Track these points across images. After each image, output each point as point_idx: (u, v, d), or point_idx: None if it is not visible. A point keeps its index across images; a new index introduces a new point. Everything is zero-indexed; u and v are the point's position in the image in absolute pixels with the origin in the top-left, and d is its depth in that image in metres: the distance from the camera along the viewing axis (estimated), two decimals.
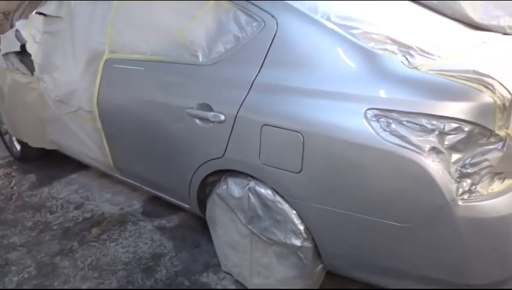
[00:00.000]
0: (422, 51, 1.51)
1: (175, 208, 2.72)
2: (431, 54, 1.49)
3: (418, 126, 1.35)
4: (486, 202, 1.33)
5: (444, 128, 1.32)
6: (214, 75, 1.86)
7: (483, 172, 1.34)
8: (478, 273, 1.40)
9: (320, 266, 1.78)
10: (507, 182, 1.41)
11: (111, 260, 2.35)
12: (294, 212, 1.69)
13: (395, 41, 1.53)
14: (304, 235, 1.70)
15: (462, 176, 1.33)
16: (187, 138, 1.99)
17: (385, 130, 1.39)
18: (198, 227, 2.58)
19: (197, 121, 1.89)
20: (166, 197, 2.43)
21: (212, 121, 1.83)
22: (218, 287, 2.11)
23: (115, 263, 2.32)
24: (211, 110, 1.83)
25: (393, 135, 1.38)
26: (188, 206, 2.25)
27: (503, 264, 1.39)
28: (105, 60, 2.35)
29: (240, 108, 1.73)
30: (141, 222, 2.70)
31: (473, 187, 1.34)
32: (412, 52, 1.49)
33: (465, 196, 1.33)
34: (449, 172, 1.33)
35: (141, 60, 2.18)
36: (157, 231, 2.59)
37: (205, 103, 1.86)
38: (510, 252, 1.38)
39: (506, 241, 1.37)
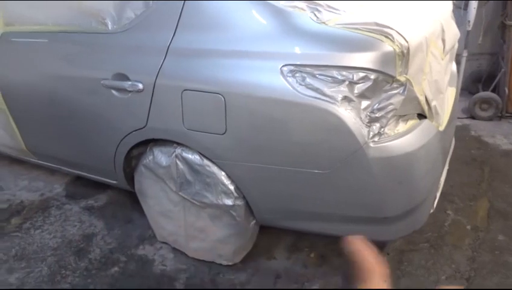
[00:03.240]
0: (329, 6, 1.58)
1: (101, 187, 2.63)
2: (337, 9, 1.57)
3: (330, 78, 1.44)
4: (394, 141, 1.47)
5: (353, 78, 1.42)
6: (126, 42, 1.79)
7: (389, 115, 1.47)
8: (391, 206, 1.56)
9: (253, 222, 1.87)
10: (410, 122, 1.57)
11: (38, 247, 2.23)
12: (223, 173, 1.73)
13: None
14: (235, 194, 1.75)
15: (372, 120, 1.45)
16: (105, 111, 1.91)
17: (301, 84, 1.46)
18: (128, 202, 2.54)
19: (114, 92, 1.82)
20: (91, 175, 2.34)
21: (130, 91, 1.77)
22: (156, 258, 2.11)
23: (42, 250, 2.21)
24: (128, 79, 1.77)
25: (308, 88, 1.45)
26: (115, 182, 2.19)
27: (411, 195, 1.57)
28: (1, 35, 2.14)
29: (157, 75, 1.69)
30: (66, 205, 2.58)
31: (382, 130, 1.48)
32: (319, 8, 1.56)
33: (376, 139, 1.46)
34: (360, 118, 1.44)
35: (43, 31, 2.01)
36: (85, 212, 2.50)
37: (121, 72, 1.79)
38: (415, 184, 1.56)
39: (411, 175, 1.54)
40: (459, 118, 3.36)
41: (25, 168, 2.97)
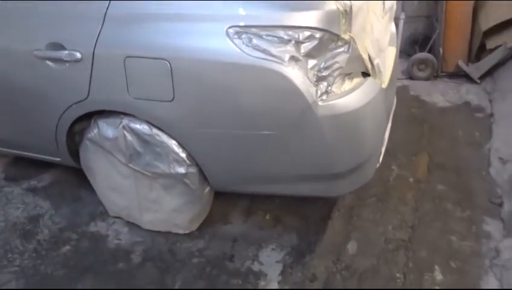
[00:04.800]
0: None
1: (44, 166, 2.49)
2: None
3: (276, 38, 1.43)
4: (341, 99, 1.52)
5: (299, 38, 1.43)
6: (59, 10, 1.68)
7: (335, 74, 1.50)
8: (340, 162, 1.62)
9: (208, 188, 1.86)
10: (355, 80, 1.62)
11: None
12: (174, 141, 1.70)
13: None
14: (187, 161, 1.73)
15: (319, 79, 1.48)
16: (41, 84, 1.79)
17: (248, 46, 1.45)
18: (75, 180, 2.42)
19: (49, 63, 1.71)
20: (32, 154, 2.21)
21: (67, 61, 1.67)
22: (110, 233, 2.07)
23: None
24: (64, 49, 1.66)
25: (255, 49, 1.44)
26: (58, 159, 2.09)
27: (358, 151, 1.63)
28: None
29: (96, 43, 1.61)
30: (6, 188, 2.42)
31: (329, 88, 1.51)
32: None
33: (324, 97, 1.49)
34: (308, 77, 1.46)
35: None
36: (28, 194, 2.37)
37: (55, 42, 1.68)
38: (362, 140, 1.62)
39: (358, 132, 1.59)
40: (398, 79, 3.50)
41: None
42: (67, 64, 1.68)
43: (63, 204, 2.28)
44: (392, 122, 2.17)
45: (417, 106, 3.14)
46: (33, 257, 1.93)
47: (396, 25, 3.54)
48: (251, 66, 1.44)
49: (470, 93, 3.24)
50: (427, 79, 3.46)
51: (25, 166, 2.56)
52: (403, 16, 3.44)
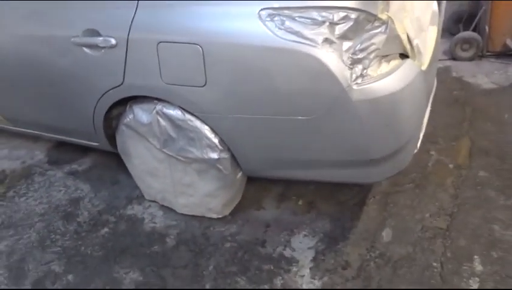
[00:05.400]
0: None
1: (85, 150, 2.58)
2: None
3: (309, 20, 1.39)
4: (377, 83, 1.45)
5: (333, 19, 1.38)
6: None
7: (371, 56, 1.44)
8: (378, 148, 1.56)
9: (240, 174, 1.86)
10: (393, 63, 1.54)
11: (24, 214, 2.21)
12: (207, 127, 1.70)
13: None
14: (220, 147, 1.73)
15: (354, 62, 1.42)
16: (79, 70, 1.84)
17: (280, 29, 1.41)
18: (113, 164, 2.50)
19: (86, 49, 1.74)
20: (72, 139, 2.29)
21: (103, 47, 1.70)
22: (146, 216, 2.12)
23: (30, 217, 2.19)
24: (99, 35, 1.69)
25: (288, 32, 1.40)
26: (97, 144, 2.15)
27: (396, 136, 1.57)
28: None
29: (130, 29, 1.62)
30: (49, 171, 2.53)
31: (364, 71, 1.45)
32: None
33: (359, 80, 1.44)
34: (342, 60, 1.41)
35: None
36: (69, 177, 2.47)
37: (91, 28, 1.71)
38: (400, 125, 1.56)
39: (396, 116, 1.53)
40: (440, 59, 3.34)
41: (3, 136, 2.88)
42: (102, 50, 1.71)
43: (102, 187, 2.35)
44: (432, 106, 2.08)
45: (460, 88, 2.99)
46: (74, 238, 2.01)
47: (439, 3, 3.39)
48: (283, 49, 1.41)
49: None
50: (471, 59, 3.28)
51: (67, 150, 2.66)
52: None
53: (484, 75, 3.10)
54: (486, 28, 3.22)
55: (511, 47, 3.17)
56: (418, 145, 1.79)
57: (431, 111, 2.13)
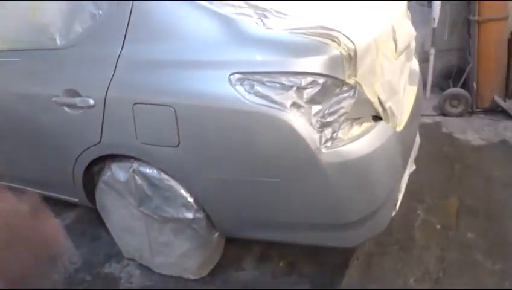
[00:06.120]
0: (277, 12, 1.55)
1: (71, 205, 2.56)
2: (285, 14, 1.55)
3: (278, 84, 1.41)
4: (347, 146, 1.45)
5: (301, 84, 1.39)
6: (75, 57, 1.75)
7: (341, 119, 1.44)
8: (350, 211, 1.53)
9: (217, 234, 1.82)
10: (365, 125, 1.55)
11: None
12: (181, 186, 1.69)
13: (251, 5, 1.56)
14: (195, 206, 1.71)
15: (323, 125, 1.43)
16: (59, 128, 1.86)
17: (249, 93, 1.43)
18: (97, 220, 2.45)
19: (66, 108, 1.78)
20: (54, 194, 2.27)
21: (82, 107, 1.73)
22: (123, 275, 2.06)
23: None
24: (78, 95, 1.73)
25: (257, 96, 1.42)
26: (76, 200, 2.14)
27: (368, 199, 1.54)
28: None
29: (107, 89, 1.65)
30: None
31: (335, 134, 1.45)
32: (267, 13, 1.53)
33: (329, 144, 1.43)
34: (311, 124, 1.41)
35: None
36: None
37: (71, 88, 1.75)
38: (372, 188, 1.53)
39: (368, 179, 1.51)
40: (430, 115, 3.36)
41: None
42: (81, 110, 1.74)
43: (82, 243, 2.31)
44: (419, 163, 2.06)
45: (449, 144, 2.98)
46: None
47: (427, 60, 3.47)
48: (252, 112, 1.42)
49: (508, 131, 3.05)
50: (460, 115, 3.30)
51: (54, 204, 2.61)
52: (432, 50, 3.36)
53: (474, 131, 3.10)
54: (474, 85, 3.26)
55: (499, 103, 3.18)
56: (397, 207, 1.76)
57: (417, 169, 2.12)
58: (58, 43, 1.78)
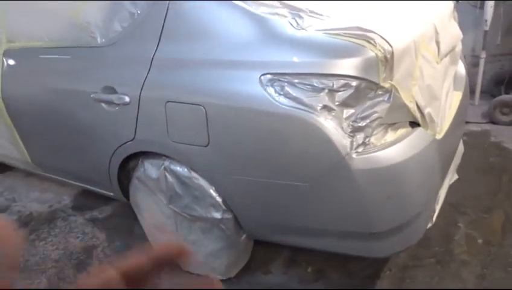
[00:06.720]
0: (312, 12, 1.51)
1: (108, 199, 2.64)
2: (320, 14, 1.50)
3: (309, 86, 1.37)
4: (379, 152, 1.38)
5: (333, 86, 1.35)
6: (114, 56, 1.80)
7: (374, 124, 1.38)
8: (381, 220, 1.46)
9: (244, 236, 1.81)
10: (400, 131, 1.48)
11: (40, 259, 2.26)
12: (211, 185, 1.69)
13: (285, 5, 1.53)
14: (223, 207, 1.70)
15: (355, 130, 1.37)
16: (96, 123, 1.92)
17: (280, 94, 1.40)
18: (132, 214, 2.52)
19: (103, 105, 1.82)
20: (91, 187, 2.35)
21: (118, 104, 1.77)
22: None
23: (44, 262, 2.24)
24: (115, 92, 1.77)
25: (287, 97, 1.39)
26: (112, 194, 2.19)
27: (401, 209, 1.46)
28: (4, 51, 2.20)
29: (142, 87, 1.68)
30: (71, 216, 2.61)
31: (367, 140, 1.39)
32: (302, 14, 1.50)
33: (360, 149, 1.38)
34: (342, 128, 1.36)
35: (40, 47, 2.06)
36: (88, 224, 2.52)
37: (109, 85, 1.79)
38: (406, 197, 1.45)
39: (401, 188, 1.43)
40: (478, 123, 3.17)
41: (37, 179, 3.03)
42: (117, 107, 1.78)
43: (116, 237, 2.38)
44: (464, 173, 1.94)
45: (497, 153, 2.80)
46: None
47: (477, 64, 3.28)
48: (281, 114, 1.39)
49: None
50: (511, 124, 3.08)
51: (92, 197, 2.73)
52: (483, 54, 3.18)
53: None
54: None
55: None
56: (434, 218, 1.66)
57: (460, 179, 2.00)
58: (99, 41, 1.83)
